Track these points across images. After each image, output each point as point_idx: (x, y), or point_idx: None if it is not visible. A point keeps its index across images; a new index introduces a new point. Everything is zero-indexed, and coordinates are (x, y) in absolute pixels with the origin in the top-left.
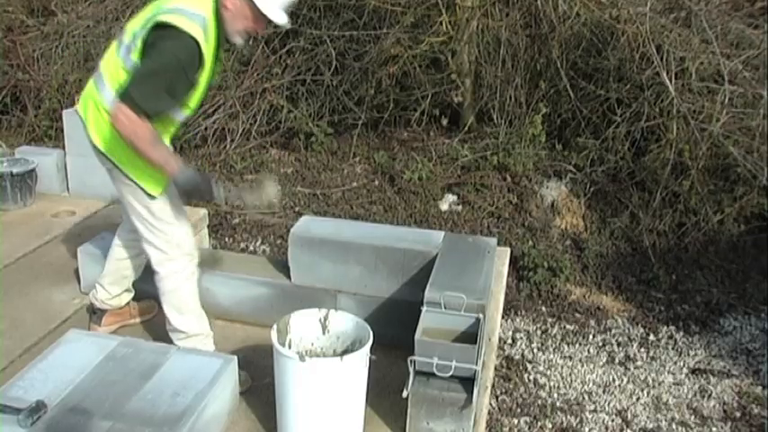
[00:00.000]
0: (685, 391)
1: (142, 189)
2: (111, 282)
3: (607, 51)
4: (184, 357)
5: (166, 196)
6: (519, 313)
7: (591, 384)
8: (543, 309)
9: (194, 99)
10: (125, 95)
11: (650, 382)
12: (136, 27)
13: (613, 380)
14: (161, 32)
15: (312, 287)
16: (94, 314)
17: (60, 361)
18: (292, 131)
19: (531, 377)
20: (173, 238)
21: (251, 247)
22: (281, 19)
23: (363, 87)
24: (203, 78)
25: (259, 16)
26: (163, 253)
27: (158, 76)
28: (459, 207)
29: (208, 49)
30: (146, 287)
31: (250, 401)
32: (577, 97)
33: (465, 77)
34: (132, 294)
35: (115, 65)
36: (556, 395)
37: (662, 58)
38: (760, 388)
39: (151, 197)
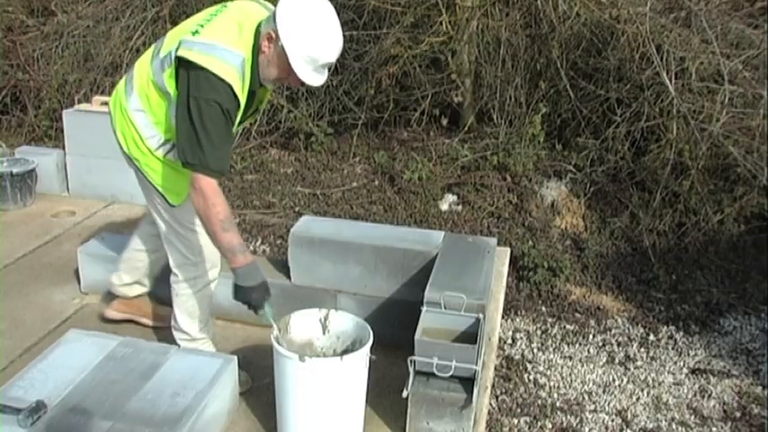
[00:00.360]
0: (685, 391)
1: (162, 196)
2: (124, 269)
3: (607, 51)
4: (184, 357)
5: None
6: (519, 313)
7: (591, 384)
8: (543, 309)
9: None
10: (198, 166)
11: (650, 382)
12: (172, 46)
13: (613, 380)
14: (194, 76)
15: (312, 287)
16: (109, 294)
17: (60, 361)
18: (292, 131)
19: (531, 377)
20: (195, 245)
21: (251, 247)
22: (315, 81)
23: (363, 87)
24: (237, 117)
25: (291, 71)
26: (184, 257)
27: (216, 133)
28: (459, 207)
29: (243, 91)
30: (159, 291)
31: (250, 401)
32: (577, 97)
33: (465, 77)
34: (145, 290)
35: (147, 74)
36: (556, 395)
37: (662, 58)
38: (760, 388)
39: (171, 205)
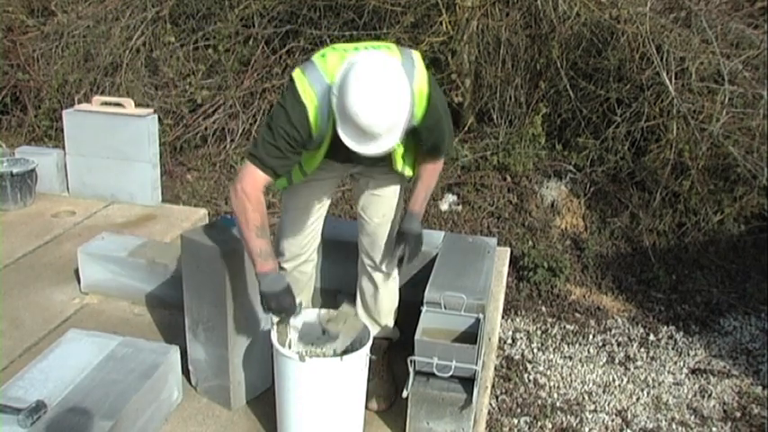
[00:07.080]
0: (685, 391)
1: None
2: None
3: (607, 51)
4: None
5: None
6: (519, 313)
7: (591, 384)
8: (543, 309)
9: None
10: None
11: (650, 382)
12: None
13: (613, 380)
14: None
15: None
16: None
17: (60, 361)
18: None
19: (531, 377)
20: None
21: None
22: (353, 144)
23: None
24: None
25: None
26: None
27: (276, 136)
28: (459, 207)
29: (316, 123)
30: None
31: (250, 401)
32: (577, 97)
33: (465, 77)
34: None
35: None
36: (556, 395)
37: (662, 58)
38: (760, 388)
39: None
